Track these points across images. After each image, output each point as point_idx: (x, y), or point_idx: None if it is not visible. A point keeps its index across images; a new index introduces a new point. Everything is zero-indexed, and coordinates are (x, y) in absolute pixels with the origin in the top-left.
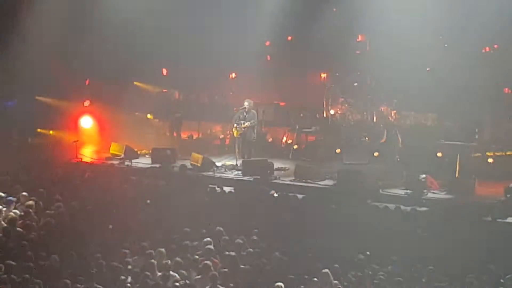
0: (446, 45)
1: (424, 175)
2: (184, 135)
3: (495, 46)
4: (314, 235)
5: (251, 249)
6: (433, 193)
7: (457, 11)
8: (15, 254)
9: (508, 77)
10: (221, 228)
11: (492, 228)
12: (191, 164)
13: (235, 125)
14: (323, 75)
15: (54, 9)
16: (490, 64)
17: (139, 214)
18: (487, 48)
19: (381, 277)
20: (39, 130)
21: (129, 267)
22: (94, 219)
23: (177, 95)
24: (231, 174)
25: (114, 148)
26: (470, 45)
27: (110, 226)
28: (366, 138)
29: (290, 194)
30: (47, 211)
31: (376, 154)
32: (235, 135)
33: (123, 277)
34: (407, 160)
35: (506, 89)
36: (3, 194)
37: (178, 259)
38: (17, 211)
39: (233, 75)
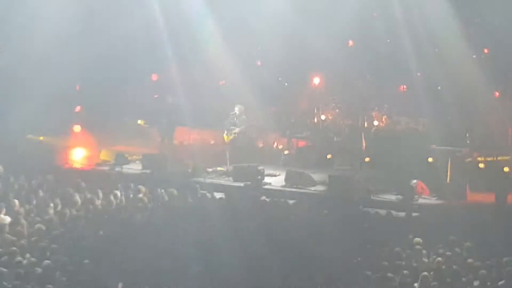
0: (436, 50)
1: (415, 181)
2: (175, 141)
3: (485, 51)
4: (306, 240)
5: (242, 255)
6: (424, 198)
7: (448, 17)
8: (5, 260)
9: (498, 82)
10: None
11: (483, 233)
12: (182, 170)
13: (226, 131)
14: (314, 80)
15: (44, 14)
16: (480, 69)
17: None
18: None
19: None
20: (29, 135)
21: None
22: (86, 225)
23: (170, 100)
24: (222, 180)
25: (105, 154)
26: (460, 49)
27: (101, 233)
28: None
29: (281, 199)
30: (38, 218)
31: (367, 159)
32: (226, 140)
33: (114, 283)
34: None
35: (497, 93)
36: None
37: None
38: (7, 217)
39: (224, 81)
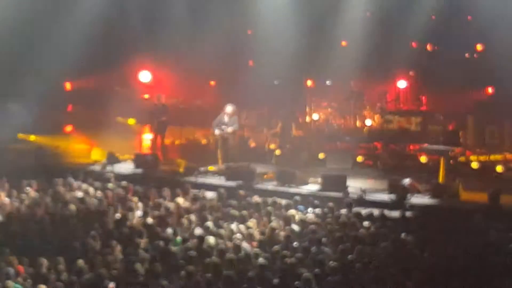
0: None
1: (407, 180)
2: (167, 140)
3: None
4: (298, 240)
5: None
6: (417, 198)
7: (440, 16)
8: None
9: (491, 79)
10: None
11: (476, 233)
12: (174, 169)
13: (218, 130)
14: (309, 82)
15: (34, 11)
16: (473, 68)
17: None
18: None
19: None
20: (19, 135)
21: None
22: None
23: (162, 100)
24: (214, 179)
25: (96, 154)
26: (453, 48)
27: (93, 232)
28: None
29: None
30: (29, 217)
31: (359, 158)
32: (217, 140)
33: (106, 282)
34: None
35: (490, 90)
36: None
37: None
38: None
39: (213, 82)
